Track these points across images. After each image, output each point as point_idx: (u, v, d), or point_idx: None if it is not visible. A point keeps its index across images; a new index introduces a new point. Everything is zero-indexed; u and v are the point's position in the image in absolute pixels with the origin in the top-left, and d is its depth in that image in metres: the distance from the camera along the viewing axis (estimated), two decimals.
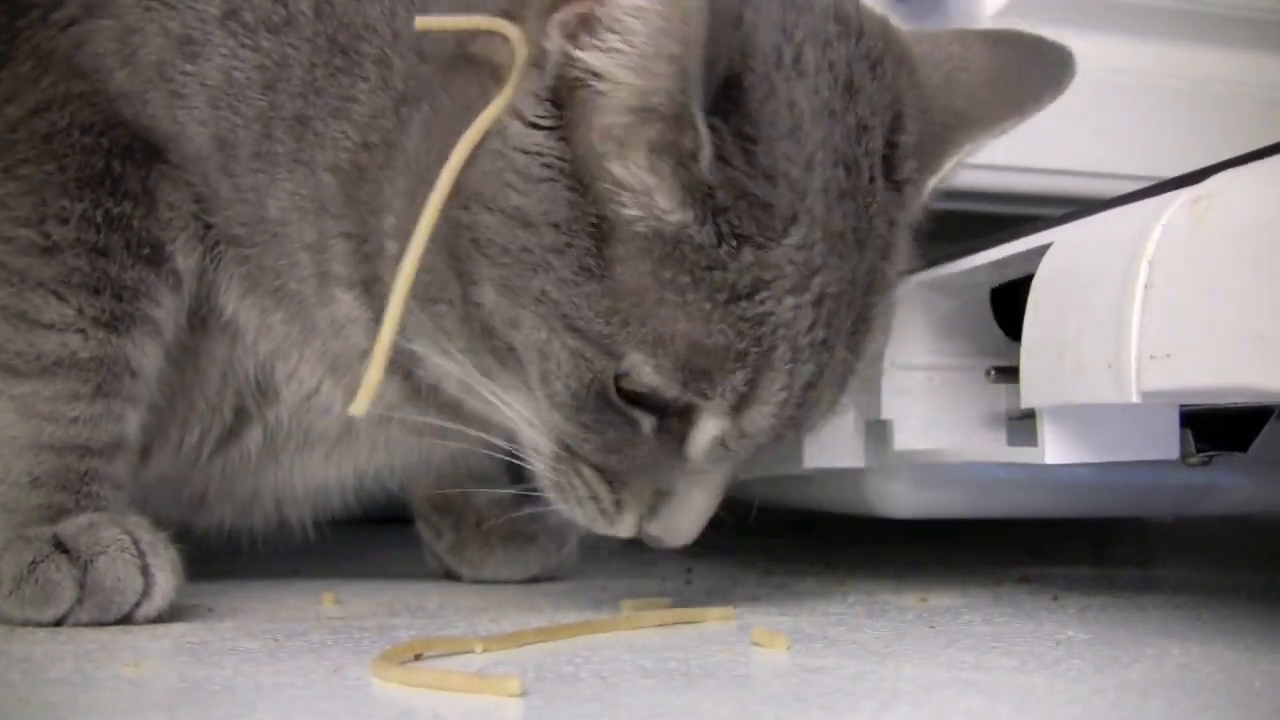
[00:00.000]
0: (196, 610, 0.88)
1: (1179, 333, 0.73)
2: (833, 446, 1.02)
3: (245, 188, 0.89)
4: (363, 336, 0.90)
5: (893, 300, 0.85)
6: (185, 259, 0.91)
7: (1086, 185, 1.21)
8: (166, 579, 0.84)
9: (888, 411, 1.01)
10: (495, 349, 0.81)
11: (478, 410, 0.88)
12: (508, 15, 0.80)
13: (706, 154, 0.73)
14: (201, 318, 0.93)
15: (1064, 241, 0.86)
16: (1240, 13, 1.24)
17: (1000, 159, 1.15)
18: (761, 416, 0.78)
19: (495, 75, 0.80)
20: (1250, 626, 0.85)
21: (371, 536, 1.31)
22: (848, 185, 0.78)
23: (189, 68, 0.88)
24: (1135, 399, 0.75)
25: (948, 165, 0.85)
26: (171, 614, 0.84)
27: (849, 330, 0.80)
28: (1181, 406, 0.85)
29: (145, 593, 0.83)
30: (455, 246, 0.79)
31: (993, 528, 1.29)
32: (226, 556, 1.05)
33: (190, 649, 0.76)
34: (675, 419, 0.79)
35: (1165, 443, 0.86)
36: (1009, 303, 1.00)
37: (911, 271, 0.98)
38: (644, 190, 0.75)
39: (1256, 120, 1.23)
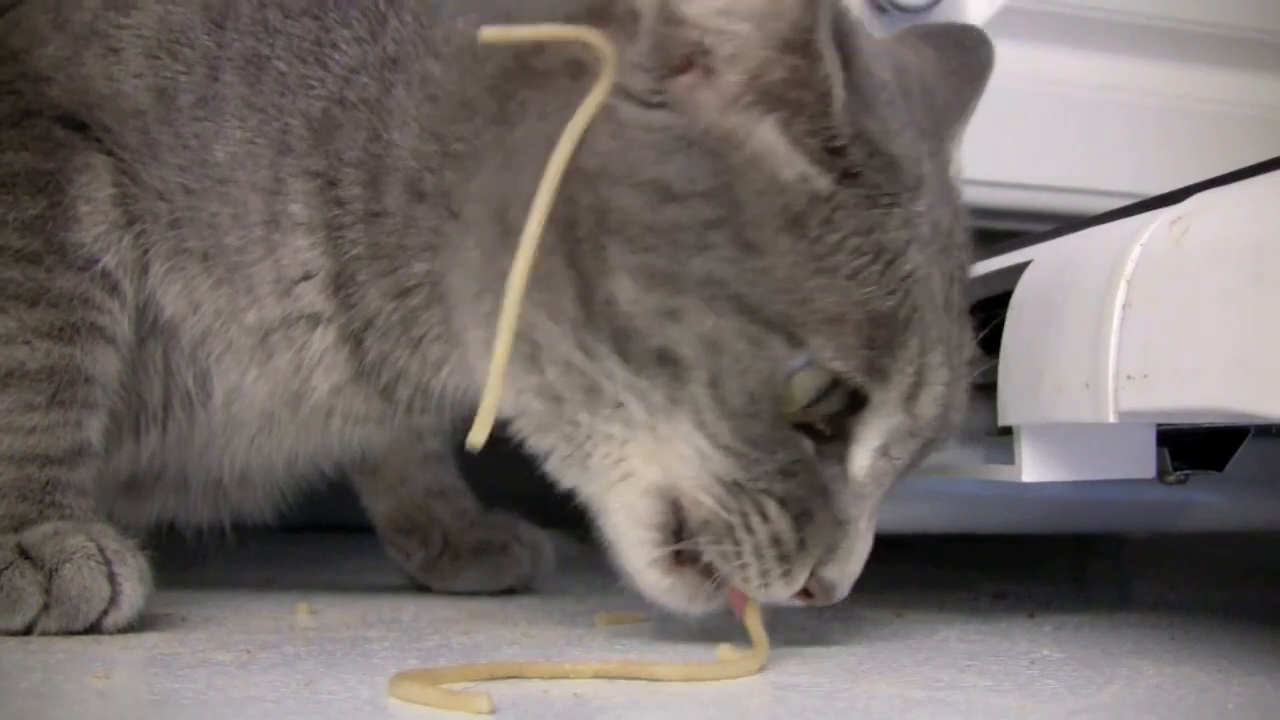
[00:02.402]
0: (169, 620, 0.87)
1: (1157, 353, 0.73)
2: None
3: (187, 135, 0.85)
4: (319, 295, 0.86)
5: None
6: (112, 255, 0.87)
7: (1068, 201, 1.21)
8: (134, 588, 0.82)
9: None
10: (635, 359, 0.72)
11: (548, 447, 0.78)
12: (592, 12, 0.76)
13: (839, 96, 0.71)
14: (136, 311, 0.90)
15: (1043, 259, 0.86)
16: (1225, 31, 1.25)
17: (982, 174, 1.15)
18: (929, 403, 0.74)
19: (573, 72, 0.76)
20: (1224, 647, 0.85)
21: (346, 544, 1.31)
22: (931, 160, 0.77)
23: (124, 20, 0.86)
24: (1112, 419, 0.75)
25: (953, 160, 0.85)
26: (142, 623, 0.83)
27: (964, 312, 0.78)
28: (1158, 425, 0.86)
29: (112, 601, 0.82)
30: (573, 236, 0.73)
31: (968, 543, 1.29)
32: (199, 564, 1.04)
33: (161, 660, 0.75)
34: (834, 440, 0.74)
35: (1142, 462, 0.86)
36: (987, 319, 1.00)
37: None
38: (783, 153, 0.71)
39: (1239, 139, 1.23)
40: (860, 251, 0.71)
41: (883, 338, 0.71)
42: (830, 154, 0.71)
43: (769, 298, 0.70)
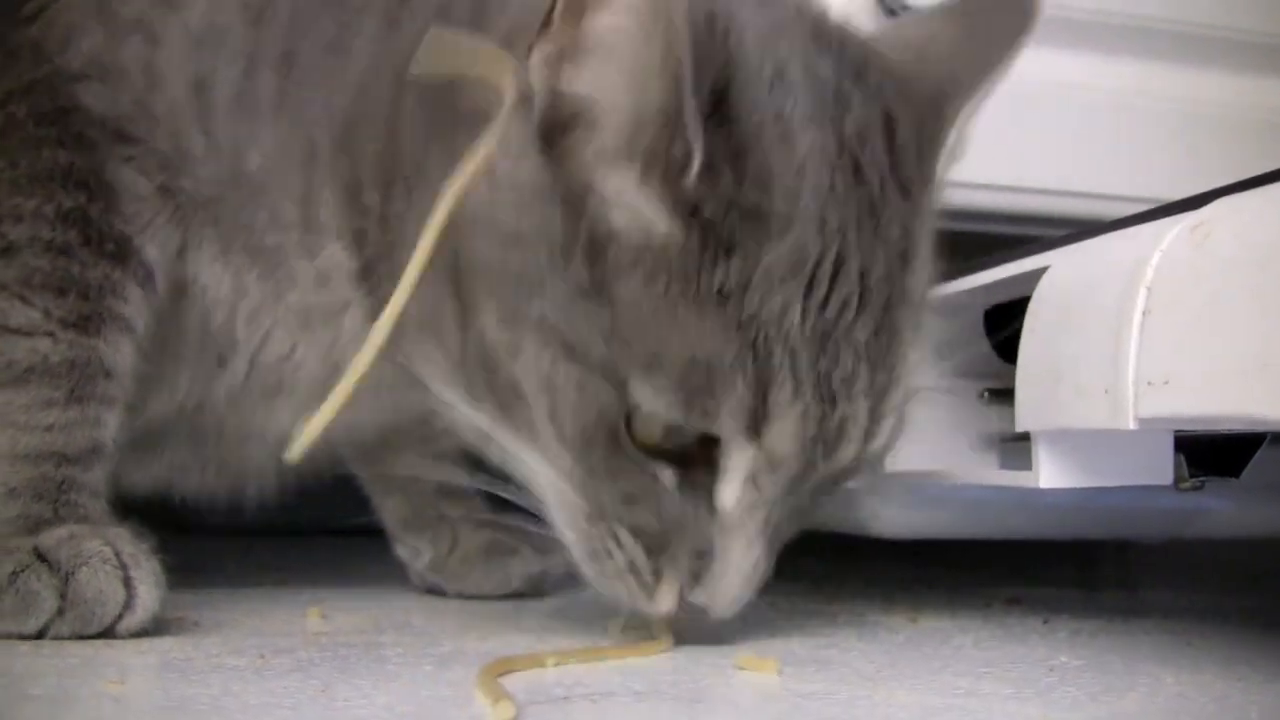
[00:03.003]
0: (181, 624, 0.87)
1: (1177, 360, 0.73)
2: None
3: (223, 141, 0.88)
4: (349, 287, 0.90)
5: (921, 314, 0.81)
6: (158, 250, 0.89)
7: (1086, 206, 1.21)
8: (149, 591, 0.82)
9: None
10: (499, 388, 0.78)
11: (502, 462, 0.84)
12: (516, 32, 0.79)
13: (695, 165, 0.72)
14: (174, 290, 0.91)
15: (1061, 265, 0.86)
16: (1240, 36, 1.25)
17: (1000, 178, 1.15)
18: (783, 437, 0.74)
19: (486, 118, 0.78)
20: (1243, 654, 0.85)
21: (356, 547, 1.30)
22: (848, 193, 0.76)
23: (170, 16, 0.88)
24: (1132, 425, 0.75)
25: (949, 140, 0.83)
26: (156, 628, 0.83)
27: (871, 343, 0.77)
28: (1175, 432, 0.85)
29: (128, 605, 0.81)
30: (456, 274, 0.79)
31: (979, 547, 1.29)
32: (211, 567, 1.04)
33: (176, 665, 0.75)
34: (699, 468, 0.76)
35: (1160, 468, 0.85)
36: (1003, 325, 1.00)
37: None
38: (633, 205, 0.74)
39: (1256, 144, 1.23)
40: (684, 297, 0.73)
41: (700, 379, 0.72)
42: (681, 207, 0.73)
43: (593, 342, 0.74)
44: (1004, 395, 0.95)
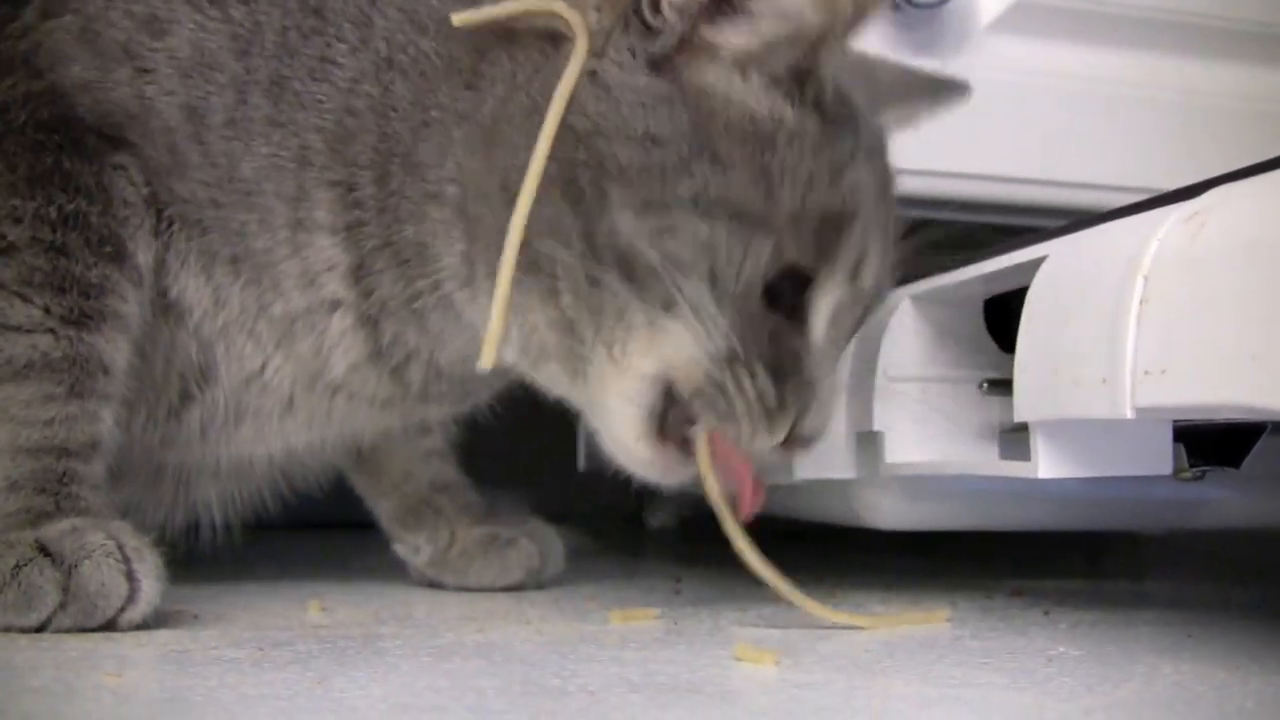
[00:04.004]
0: (180, 617, 0.87)
1: (1174, 349, 0.72)
2: (823, 457, 1.01)
3: (216, 153, 0.90)
4: (340, 284, 0.92)
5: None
6: (144, 254, 0.90)
7: (1083, 196, 1.21)
8: (151, 585, 0.82)
9: (879, 423, 1.00)
10: (638, 275, 0.83)
11: (550, 372, 0.90)
12: None
13: (830, 78, 0.86)
14: (151, 306, 0.92)
15: (1059, 255, 0.85)
16: (1237, 26, 1.24)
17: (997, 169, 1.15)
18: (869, 274, 0.87)
19: (546, 38, 0.87)
20: (1242, 644, 0.84)
21: (356, 541, 1.31)
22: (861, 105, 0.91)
23: (156, 44, 0.89)
24: (1130, 415, 0.75)
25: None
26: (155, 621, 0.83)
27: (888, 203, 0.91)
28: (1175, 422, 0.85)
29: (130, 598, 0.82)
30: (573, 185, 0.83)
31: (982, 539, 1.29)
32: (211, 560, 1.04)
33: (174, 658, 0.75)
34: (795, 313, 0.86)
35: (1158, 458, 0.85)
36: (1002, 315, 1.00)
37: (904, 282, 0.98)
38: (757, 96, 0.85)
39: (1255, 133, 1.23)
40: (816, 166, 0.84)
41: (830, 231, 0.85)
42: (800, 93, 0.85)
43: (748, 199, 0.83)
44: (1003, 386, 0.95)
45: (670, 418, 0.86)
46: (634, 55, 0.86)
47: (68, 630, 0.80)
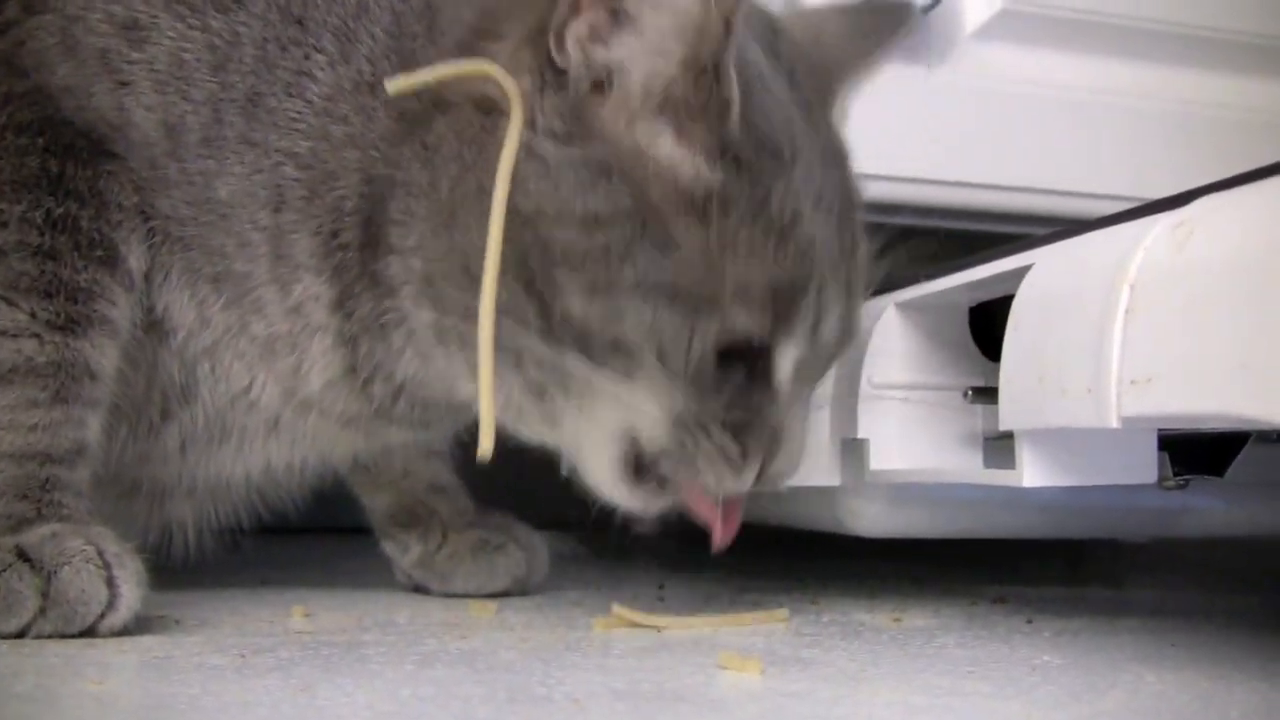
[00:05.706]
0: (163, 623, 0.87)
1: (1160, 358, 0.73)
2: (808, 464, 1.01)
3: (193, 171, 0.89)
4: (325, 313, 0.91)
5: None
6: (137, 260, 0.90)
7: (1069, 205, 1.21)
8: (132, 591, 0.82)
9: (864, 430, 1.00)
10: (594, 352, 0.83)
11: (529, 427, 0.90)
12: (481, 34, 0.85)
13: (735, 108, 0.81)
14: (140, 315, 0.92)
15: (1045, 263, 0.86)
16: (1224, 36, 1.25)
17: (983, 177, 1.15)
18: (830, 329, 0.87)
19: (482, 107, 0.85)
20: (1225, 653, 0.85)
21: (341, 546, 1.30)
22: (805, 126, 0.87)
23: (135, 55, 0.88)
24: (1115, 424, 0.75)
25: (835, 110, 0.95)
26: (137, 626, 0.83)
27: (848, 243, 0.88)
28: (1159, 430, 0.85)
29: (110, 605, 0.81)
30: (524, 268, 0.83)
31: (965, 546, 1.29)
32: (194, 565, 1.04)
33: (156, 664, 0.75)
34: (758, 361, 0.85)
35: (1144, 467, 0.85)
36: (987, 323, 1.00)
37: (889, 290, 0.98)
38: (680, 157, 0.82)
39: (1241, 143, 1.23)
40: (753, 233, 0.82)
41: (783, 300, 0.83)
42: (721, 152, 0.82)
43: (690, 284, 0.81)
44: (988, 394, 0.95)
45: (643, 462, 0.88)
46: (563, 120, 0.83)
47: (48, 636, 0.80)
